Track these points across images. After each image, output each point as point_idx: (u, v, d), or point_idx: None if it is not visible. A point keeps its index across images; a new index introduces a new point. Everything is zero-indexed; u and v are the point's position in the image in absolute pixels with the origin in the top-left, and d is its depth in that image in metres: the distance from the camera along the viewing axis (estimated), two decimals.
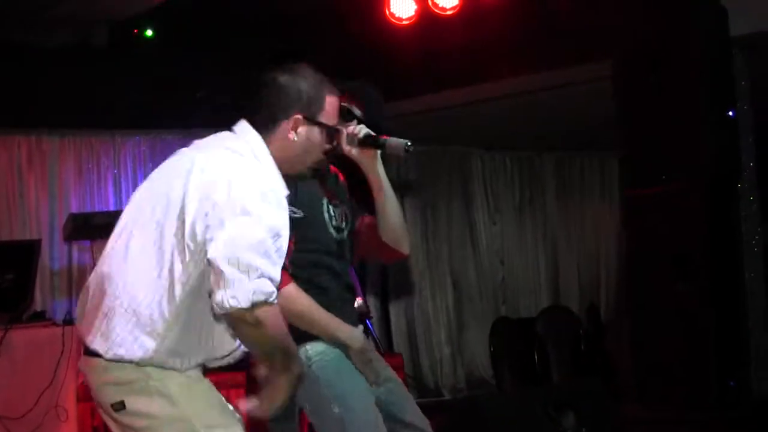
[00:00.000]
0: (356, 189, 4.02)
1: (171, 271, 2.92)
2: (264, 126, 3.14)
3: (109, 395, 3.05)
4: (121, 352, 2.96)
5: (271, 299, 2.84)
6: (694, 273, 5.99)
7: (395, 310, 10.14)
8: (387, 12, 7.22)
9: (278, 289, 3.03)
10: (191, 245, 2.89)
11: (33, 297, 6.94)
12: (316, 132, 3.17)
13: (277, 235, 2.91)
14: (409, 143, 3.60)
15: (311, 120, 3.15)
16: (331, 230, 3.80)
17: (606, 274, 11.73)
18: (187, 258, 2.90)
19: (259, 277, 2.82)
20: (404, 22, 7.21)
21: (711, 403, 6.01)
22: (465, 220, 10.96)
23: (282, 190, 3.05)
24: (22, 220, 8.39)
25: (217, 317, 2.97)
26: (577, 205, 11.90)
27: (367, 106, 3.90)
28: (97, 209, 8.50)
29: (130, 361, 2.97)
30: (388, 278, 10.23)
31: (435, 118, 8.90)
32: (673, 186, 6.04)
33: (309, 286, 3.64)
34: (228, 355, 3.18)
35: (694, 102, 5.96)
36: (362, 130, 3.72)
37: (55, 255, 8.45)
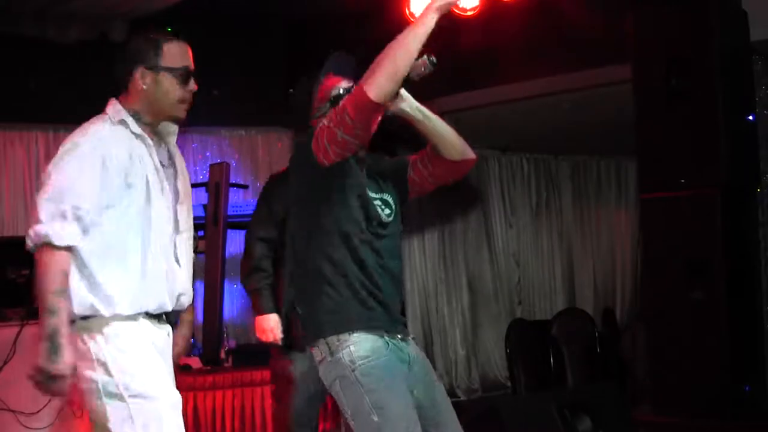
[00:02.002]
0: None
1: None
2: (124, 89, 3.62)
3: None
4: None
5: (54, 242, 3.27)
6: (711, 279, 5.96)
7: (411, 312, 10.14)
8: (407, 12, 7.20)
9: (364, 92, 3.33)
10: None
11: None
12: (164, 76, 3.58)
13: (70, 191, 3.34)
14: (433, 59, 3.58)
15: (153, 69, 3.57)
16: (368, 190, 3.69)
17: (622, 278, 11.72)
18: None
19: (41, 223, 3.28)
20: None
21: (726, 409, 5.98)
22: (481, 222, 10.96)
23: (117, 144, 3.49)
24: None
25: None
26: (594, 208, 11.89)
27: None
28: None
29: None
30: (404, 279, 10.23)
31: (452, 119, 8.84)
32: (691, 191, 6.02)
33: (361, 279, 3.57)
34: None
35: (713, 107, 5.93)
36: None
37: None
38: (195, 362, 6.97)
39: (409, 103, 3.70)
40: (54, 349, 3.23)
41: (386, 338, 3.59)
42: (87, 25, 8.13)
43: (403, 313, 3.84)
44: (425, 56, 3.56)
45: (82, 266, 3.39)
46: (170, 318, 3.61)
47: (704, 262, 5.98)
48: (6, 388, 6.10)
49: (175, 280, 3.56)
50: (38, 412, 6.05)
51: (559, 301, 11.46)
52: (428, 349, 10.27)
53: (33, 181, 8.43)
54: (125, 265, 3.42)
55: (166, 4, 7.72)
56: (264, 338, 5.18)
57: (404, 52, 3.50)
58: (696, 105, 5.95)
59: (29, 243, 3.33)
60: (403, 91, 3.65)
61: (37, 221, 3.30)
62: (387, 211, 3.72)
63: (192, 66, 3.66)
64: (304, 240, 3.63)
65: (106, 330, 3.38)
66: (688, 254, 6.05)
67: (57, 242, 3.27)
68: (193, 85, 3.63)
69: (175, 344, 3.68)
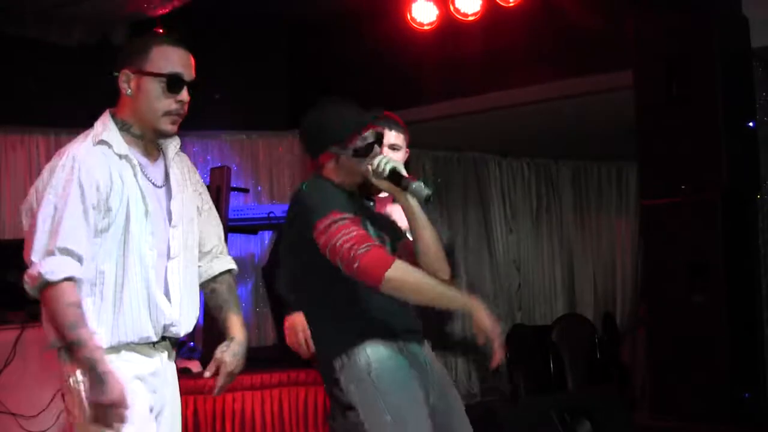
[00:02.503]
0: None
1: None
2: (117, 96, 3.35)
3: None
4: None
5: (51, 279, 3.09)
6: (711, 284, 5.97)
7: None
8: (408, 17, 7.22)
9: (381, 271, 3.34)
10: None
11: None
12: (148, 82, 3.26)
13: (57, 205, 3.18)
14: (430, 194, 3.62)
15: (139, 71, 3.27)
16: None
17: (622, 283, 11.70)
18: None
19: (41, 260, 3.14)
20: (425, 28, 7.21)
21: (725, 414, 5.98)
22: (481, 227, 10.95)
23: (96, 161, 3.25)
24: None
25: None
26: (594, 213, 11.88)
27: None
28: None
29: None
30: None
31: (453, 124, 8.89)
32: (692, 197, 6.02)
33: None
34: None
35: (713, 113, 5.93)
36: (388, 165, 3.67)
37: None
38: (195, 366, 6.97)
39: (412, 200, 3.72)
40: (99, 380, 3.03)
41: (401, 343, 3.68)
42: (89, 27, 8.13)
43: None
44: (427, 193, 3.63)
45: None
46: (170, 342, 3.40)
47: (705, 267, 5.98)
48: (6, 391, 6.11)
49: (159, 310, 3.26)
50: (38, 415, 6.06)
51: (559, 306, 11.46)
52: None
53: (34, 185, 8.43)
54: (101, 295, 3.19)
55: (168, 7, 7.72)
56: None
57: (432, 300, 3.58)
58: (697, 111, 5.95)
59: (29, 290, 3.16)
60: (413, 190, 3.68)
61: (30, 263, 3.16)
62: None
63: (186, 74, 3.32)
64: (309, 284, 3.75)
65: None
66: (688, 260, 6.05)
67: (53, 278, 3.07)
68: (184, 95, 3.30)
69: (222, 362, 3.58)
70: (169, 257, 3.31)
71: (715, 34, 5.96)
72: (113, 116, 3.33)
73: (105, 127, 3.30)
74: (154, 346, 3.27)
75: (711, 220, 6.00)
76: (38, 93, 8.24)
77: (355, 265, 3.43)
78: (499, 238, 11.07)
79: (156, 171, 3.37)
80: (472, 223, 10.85)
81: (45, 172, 3.30)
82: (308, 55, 9.04)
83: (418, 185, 3.61)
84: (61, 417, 6.11)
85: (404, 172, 3.68)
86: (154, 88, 3.26)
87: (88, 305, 3.14)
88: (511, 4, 6.74)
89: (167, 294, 3.29)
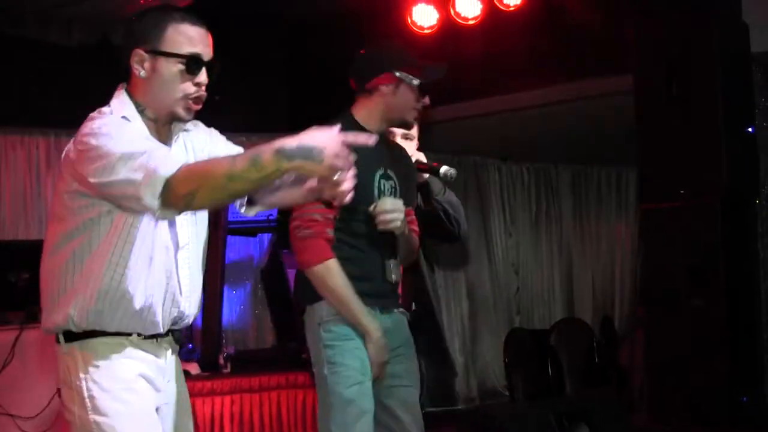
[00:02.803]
0: None
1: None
2: (125, 77, 3.07)
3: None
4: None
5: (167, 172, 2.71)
6: (710, 288, 5.97)
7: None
8: (409, 21, 7.22)
9: (321, 260, 3.57)
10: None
11: None
12: (162, 63, 2.99)
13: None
14: (455, 171, 4.07)
15: (152, 51, 2.98)
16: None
17: (620, 287, 11.71)
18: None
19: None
20: (426, 31, 7.22)
21: (723, 418, 5.99)
22: (481, 231, 10.96)
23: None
24: (38, 220, 8.41)
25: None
26: (593, 218, 11.89)
27: None
28: None
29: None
30: None
31: (453, 127, 8.90)
32: (691, 201, 6.03)
33: (348, 254, 3.82)
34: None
35: (713, 118, 5.94)
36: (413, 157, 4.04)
37: None
38: (193, 368, 6.97)
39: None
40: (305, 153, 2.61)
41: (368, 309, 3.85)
42: (89, 27, 8.14)
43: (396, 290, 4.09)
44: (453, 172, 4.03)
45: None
46: (173, 336, 3.19)
47: (704, 271, 5.99)
48: (4, 392, 6.10)
49: (173, 301, 3.11)
50: (36, 416, 6.05)
51: (557, 310, 11.47)
52: None
53: (33, 186, 8.43)
54: (119, 278, 2.99)
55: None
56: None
57: (340, 308, 3.82)
58: (697, 116, 5.97)
59: (148, 201, 2.73)
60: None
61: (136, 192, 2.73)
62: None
63: (205, 54, 3.06)
64: None
65: None
66: (688, 263, 6.06)
67: (167, 172, 2.71)
68: (203, 78, 3.03)
69: None
70: (178, 247, 3.10)
71: (715, 38, 5.97)
72: (130, 96, 3.06)
73: (123, 103, 3.03)
74: (157, 340, 3.05)
75: (710, 225, 6.01)
76: (38, 93, 8.24)
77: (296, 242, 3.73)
78: (498, 242, 11.08)
79: None
80: (471, 226, 10.84)
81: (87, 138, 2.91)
82: (308, 57, 9.05)
83: (445, 169, 4.03)
84: (59, 418, 6.10)
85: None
86: (170, 69, 2.98)
87: (102, 281, 2.92)
88: (511, 8, 6.74)
89: (179, 285, 3.10)
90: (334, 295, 3.75)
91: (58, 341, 3.01)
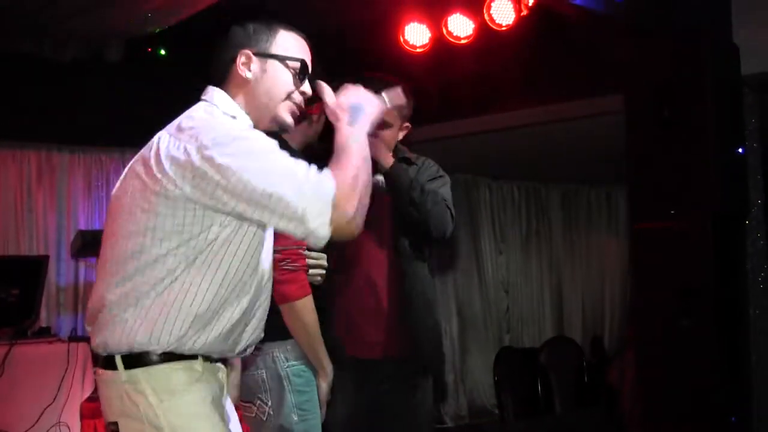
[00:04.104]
0: None
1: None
2: (221, 77, 2.94)
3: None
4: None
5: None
6: (700, 308, 5.99)
7: None
8: (401, 39, 7.23)
9: (304, 294, 3.44)
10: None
11: (38, 313, 6.94)
12: (273, 66, 2.92)
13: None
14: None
15: (263, 54, 2.91)
16: None
17: (610, 306, 11.74)
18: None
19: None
20: (418, 50, 7.23)
21: None
22: (471, 249, 10.98)
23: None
24: (29, 235, 8.41)
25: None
26: (583, 237, 11.93)
27: None
28: None
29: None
30: None
31: (444, 146, 8.91)
32: (681, 221, 6.05)
33: None
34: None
35: (703, 138, 5.96)
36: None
37: (62, 271, 8.46)
38: None
39: None
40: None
41: None
42: (84, 44, 8.15)
43: None
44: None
45: None
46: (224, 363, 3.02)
47: (694, 292, 6.00)
48: None
49: (251, 327, 2.95)
50: (27, 431, 6.04)
51: (547, 328, 11.48)
52: None
53: (24, 200, 8.43)
54: (223, 290, 2.81)
55: (162, 24, 7.74)
56: None
57: (307, 343, 3.70)
58: (687, 136, 5.98)
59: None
60: None
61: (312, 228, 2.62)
62: None
63: (311, 65, 3.00)
64: None
65: None
66: (677, 284, 6.07)
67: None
68: (308, 89, 2.95)
69: None
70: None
71: (706, 60, 6.00)
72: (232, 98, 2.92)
73: (227, 103, 2.89)
74: (215, 363, 2.84)
75: (700, 245, 6.02)
76: (30, 108, 8.24)
77: (284, 275, 3.52)
78: (488, 261, 11.10)
79: None
80: (462, 244, 10.88)
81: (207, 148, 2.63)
82: None
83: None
84: None
85: None
86: (282, 72, 2.91)
87: (203, 300, 2.70)
88: (504, 28, 6.76)
89: (263, 306, 2.96)
90: (307, 330, 3.59)
91: (110, 367, 2.72)
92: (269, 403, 3.62)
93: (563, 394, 8.73)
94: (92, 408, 5.92)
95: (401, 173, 4.23)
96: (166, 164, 2.66)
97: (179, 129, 2.73)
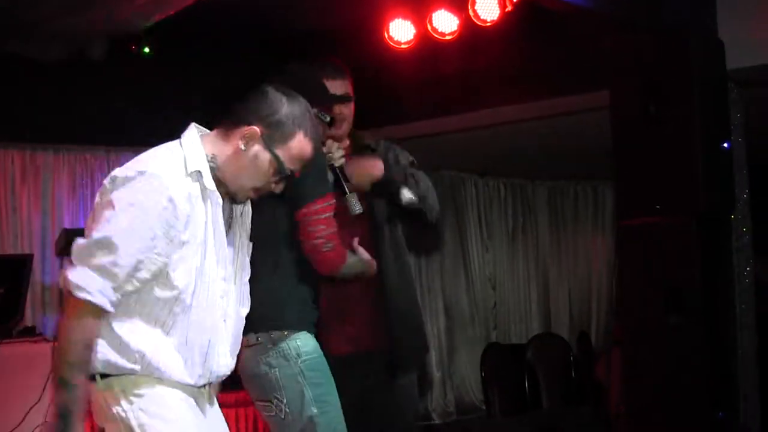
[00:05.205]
0: None
1: None
2: (227, 126, 3.01)
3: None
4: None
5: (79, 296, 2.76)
6: (686, 304, 5.99)
7: None
8: (386, 35, 7.22)
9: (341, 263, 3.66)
10: None
11: (23, 312, 6.92)
12: (265, 159, 2.97)
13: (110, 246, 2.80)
14: (360, 212, 3.88)
15: (267, 142, 2.96)
16: None
17: (597, 302, 11.75)
18: None
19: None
20: (403, 47, 7.22)
21: None
22: (457, 246, 10.97)
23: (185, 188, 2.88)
24: (14, 234, 8.36)
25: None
26: (570, 233, 11.94)
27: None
28: None
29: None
30: None
31: (430, 143, 8.91)
32: (667, 217, 6.05)
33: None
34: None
35: (689, 134, 5.96)
36: (340, 160, 3.92)
37: (46, 270, 8.41)
38: None
39: None
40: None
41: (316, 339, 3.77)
42: (67, 43, 8.11)
43: None
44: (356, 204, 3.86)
45: None
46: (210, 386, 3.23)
47: (680, 287, 6.01)
48: None
49: (215, 361, 3.10)
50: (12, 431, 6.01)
51: (534, 325, 11.49)
52: None
53: (8, 200, 8.38)
54: (166, 331, 2.97)
55: (146, 22, 7.71)
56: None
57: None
58: (673, 132, 5.98)
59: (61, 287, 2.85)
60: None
61: (69, 262, 2.84)
62: None
63: (297, 172, 3.08)
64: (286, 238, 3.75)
65: None
66: (664, 279, 6.07)
67: (79, 296, 2.81)
68: (279, 188, 3.06)
69: None
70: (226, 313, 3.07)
71: (691, 55, 6.00)
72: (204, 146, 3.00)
73: (196, 154, 2.95)
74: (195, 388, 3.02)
75: (686, 240, 6.02)
76: (14, 108, 8.19)
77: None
78: (475, 258, 11.10)
79: (221, 216, 3.04)
80: (448, 242, 10.87)
81: (115, 182, 2.89)
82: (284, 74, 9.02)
83: (352, 198, 3.84)
84: None
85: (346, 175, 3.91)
86: (268, 167, 2.98)
87: (142, 334, 2.88)
88: (488, 24, 6.75)
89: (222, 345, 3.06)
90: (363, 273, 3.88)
91: (91, 379, 2.89)
92: (284, 401, 3.63)
93: (550, 389, 8.75)
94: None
95: (392, 173, 4.20)
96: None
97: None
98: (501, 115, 7.87)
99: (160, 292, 2.87)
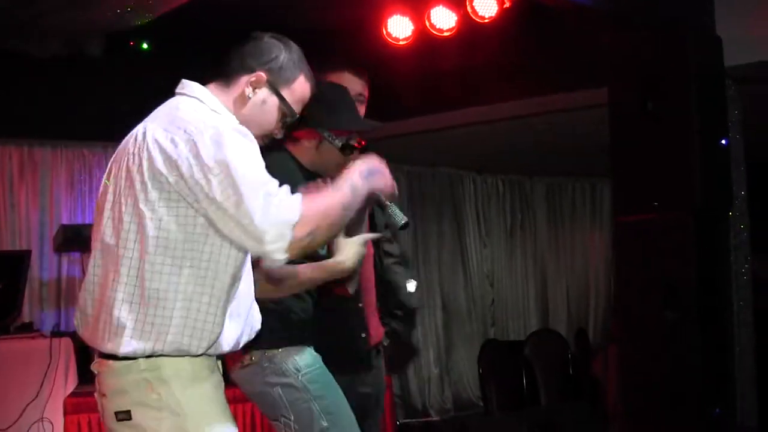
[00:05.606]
0: None
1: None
2: (225, 76, 2.99)
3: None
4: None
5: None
6: (683, 301, 5.99)
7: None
8: (384, 32, 7.22)
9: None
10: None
11: (21, 308, 6.92)
12: (273, 103, 2.99)
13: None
14: (406, 222, 3.47)
15: (273, 87, 2.98)
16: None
17: (595, 298, 11.77)
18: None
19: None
20: (401, 43, 7.22)
21: (696, 430, 6.00)
22: (456, 242, 10.98)
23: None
24: (12, 230, 8.36)
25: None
26: (568, 229, 11.94)
27: None
28: (88, 221, 8.45)
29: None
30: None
31: (428, 139, 8.91)
32: (665, 214, 6.04)
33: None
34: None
35: (686, 131, 5.96)
36: None
37: (44, 266, 8.41)
38: None
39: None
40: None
41: (313, 351, 3.71)
42: (65, 39, 8.10)
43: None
44: (403, 221, 3.47)
45: None
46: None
47: (677, 283, 6.01)
48: None
49: (254, 319, 3.04)
50: (7, 429, 6.01)
51: (532, 321, 11.50)
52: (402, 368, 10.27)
53: (6, 196, 8.38)
54: (219, 290, 2.85)
55: (144, 17, 7.70)
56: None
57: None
58: (671, 128, 5.98)
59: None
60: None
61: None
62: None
63: (298, 115, 3.09)
64: None
65: None
66: (661, 276, 6.07)
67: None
68: (281, 133, 3.07)
69: None
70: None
71: (689, 52, 5.99)
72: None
73: (212, 100, 2.94)
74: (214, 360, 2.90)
75: (683, 237, 6.02)
76: (12, 104, 8.19)
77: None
78: (473, 254, 11.11)
79: None
80: (446, 238, 10.88)
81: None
82: None
83: (395, 209, 3.45)
84: (32, 430, 6.07)
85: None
86: (275, 113, 2.99)
87: (199, 301, 2.74)
88: (486, 21, 6.75)
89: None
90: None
91: (119, 359, 2.75)
92: (292, 418, 3.57)
93: (548, 386, 8.76)
94: (76, 404, 5.89)
95: None
96: (159, 158, 2.72)
97: (170, 122, 2.79)
98: (499, 112, 7.87)
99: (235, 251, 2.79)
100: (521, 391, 8.68)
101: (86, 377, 5.93)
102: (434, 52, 7.40)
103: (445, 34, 7.00)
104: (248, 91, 2.96)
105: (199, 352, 2.75)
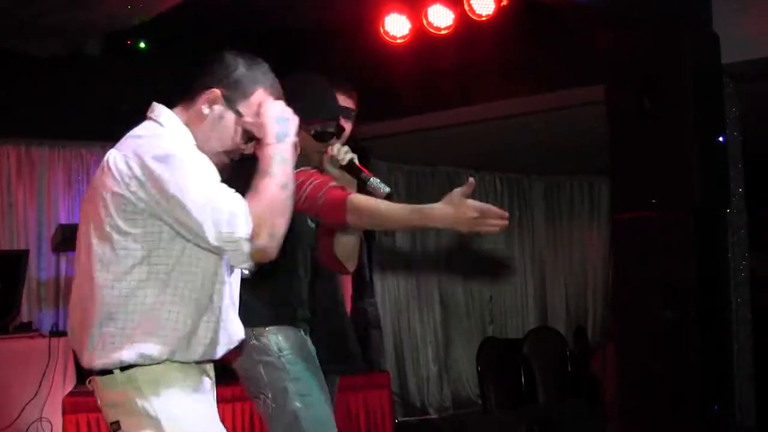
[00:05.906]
0: None
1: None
2: (189, 95, 3.01)
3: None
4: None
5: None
6: (682, 299, 5.99)
7: (383, 328, 10.15)
8: (381, 30, 7.22)
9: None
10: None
11: (19, 308, 6.92)
12: (230, 118, 2.96)
13: None
14: (390, 191, 3.54)
15: (228, 101, 2.95)
16: (309, 221, 3.78)
17: (593, 296, 11.76)
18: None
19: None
20: (398, 41, 7.22)
21: (695, 427, 6.01)
22: (454, 240, 10.97)
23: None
24: (9, 230, 8.36)
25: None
26: (566, 228, 11.94)
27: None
28: None
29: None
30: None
31: (426, 137, 8.91)
32: (663, 211, 6.05)
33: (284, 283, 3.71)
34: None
35: (684, 128, 5.97)
36: (347, 156, 3.72)
37: (42, 266, 8.41)
38: None
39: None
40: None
41: (302, 333, 3.75)
42: (62, 38, 8.10)
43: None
44: (387, 190, 3.57)
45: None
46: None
47: (675, 282, 6.01)
48: None
49: (233, 327, 3.06)
50: (6, 428, 6.02)
51: (530, 319, 11.50)
52: (400, 366, 10.27)
53: (4, 195, 8.38)
54: (187, 299, 2.91)
55: (142, 17, 7.70)
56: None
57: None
58: (668, 126, 5.99)
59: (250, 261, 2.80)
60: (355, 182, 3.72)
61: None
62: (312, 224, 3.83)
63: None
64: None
65: None
66: (659, 274, 6.08)
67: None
68: (250, 148, 3.00)
69: None
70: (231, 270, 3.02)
71: (686, 50, 6.00)
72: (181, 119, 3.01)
73: (175, 124, 2.97)
74: (198, 365, 2.97)
75: (682, 235, 6.03)
76: (10, 103, 8.18)
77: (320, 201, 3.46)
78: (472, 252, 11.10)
79: None
80: (444, 235, 10.88)
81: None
82: (282, 70, 9.03)
83: (376, 181, 3.59)
84: (31, 429, 6.07)
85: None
86: (232, 127, 2.97)
87: (170, 312, 2.82)
88: (483, 19, 6.75)
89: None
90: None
91: (104, 373, 2.87)
92: (270, 396, 3.63)
93: (546, 384, 8.75)
94: (74, 403, 5.89)
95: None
96: (117, 180, 2.81)
97: (128, 146, 2.87)
98: (496, 110, 7.87)
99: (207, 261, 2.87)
100: (520, 389, 8.67)
101: (85, 377, 5.92)
102: (432, 50, 7.41)
103: (443, 32, 7.02)
104: (205, 108, 2.97)
105: (164, 358, 2.82)
